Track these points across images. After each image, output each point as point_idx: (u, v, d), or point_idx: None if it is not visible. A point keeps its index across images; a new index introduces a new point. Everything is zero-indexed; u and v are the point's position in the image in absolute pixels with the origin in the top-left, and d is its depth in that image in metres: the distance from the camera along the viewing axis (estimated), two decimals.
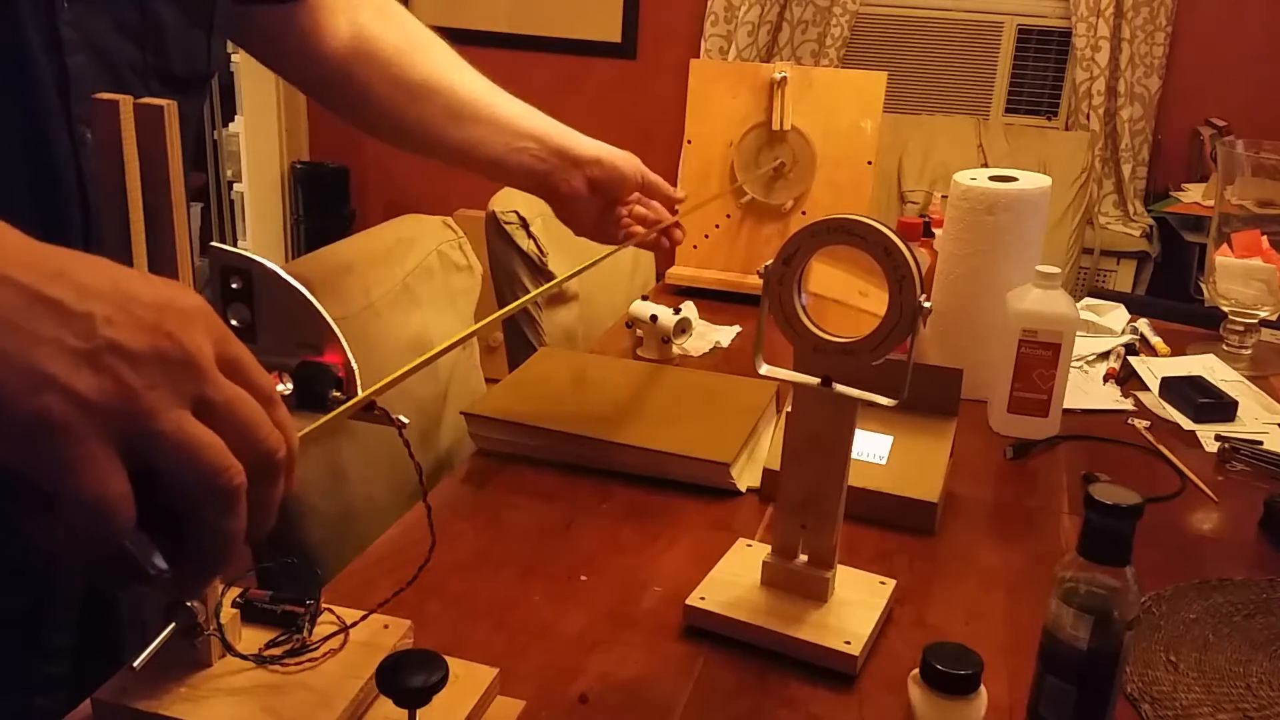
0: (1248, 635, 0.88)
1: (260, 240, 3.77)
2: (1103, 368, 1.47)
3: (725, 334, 1.54)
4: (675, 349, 1.42)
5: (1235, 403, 1.33)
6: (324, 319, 0.62)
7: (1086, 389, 1.41)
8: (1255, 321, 1.53)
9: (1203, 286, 1.62)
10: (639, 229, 1.18)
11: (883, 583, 0.89)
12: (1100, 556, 0.68)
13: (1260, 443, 1.25)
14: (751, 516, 1.05)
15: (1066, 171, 3.23)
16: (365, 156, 4.13)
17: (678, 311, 1.42)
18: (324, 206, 3.99)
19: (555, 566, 0.95)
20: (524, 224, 1.58)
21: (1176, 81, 3.47)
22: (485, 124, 1.14)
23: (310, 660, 0.67)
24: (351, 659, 0.68)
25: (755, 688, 0.80)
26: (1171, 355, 1.52)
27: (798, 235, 0.80)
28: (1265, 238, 1.53)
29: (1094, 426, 1.30)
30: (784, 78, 1.65)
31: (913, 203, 3.33)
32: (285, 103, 3.86)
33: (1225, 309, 1.55)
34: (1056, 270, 1.22)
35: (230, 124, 3.82)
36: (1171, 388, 1.37)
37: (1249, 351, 1.53)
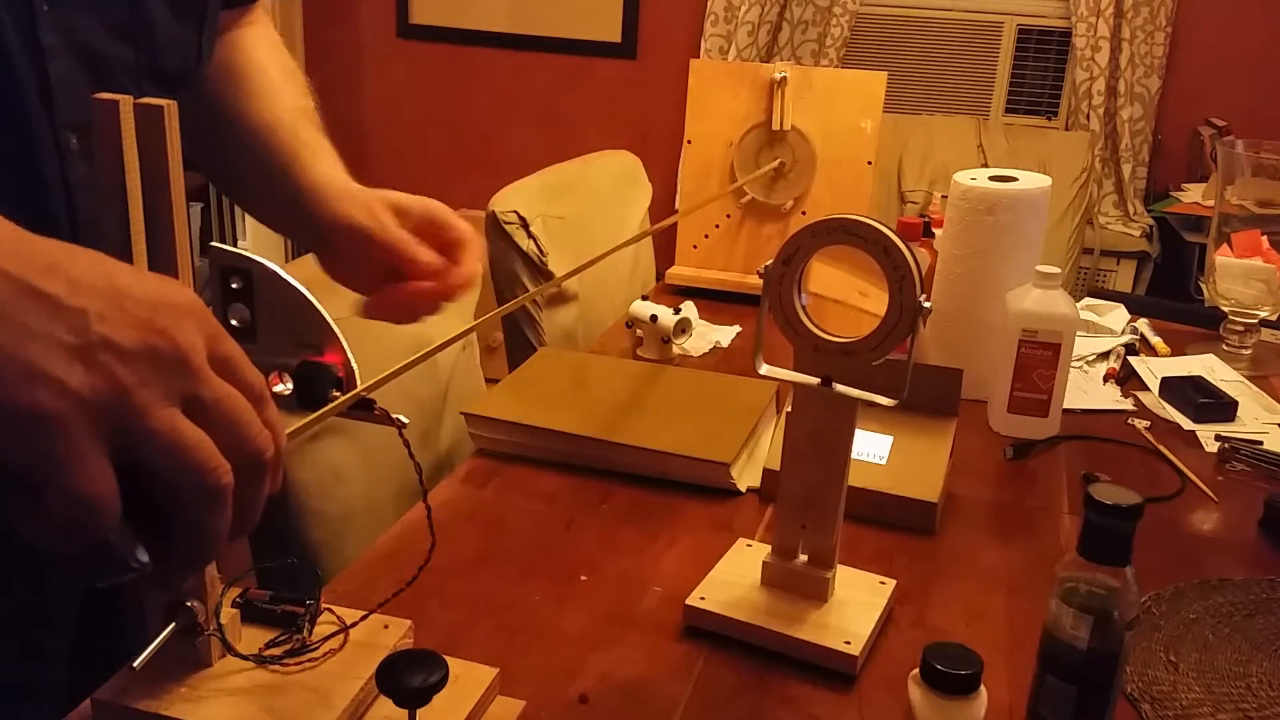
0: (1248, 635, 0.88)
1: (260, 240, 3.76)
2: (1103, 368, 1.47)
3: (725, 334, 1.54)
4: (675, 349, 1.42)
5: (1235, 403, 1.33)
6: (324, 319, 0.62)
7: (1086, 389, 1.41)
8: (1255, 321, 1.53)
9: (1203, 286, 1.62)
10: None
11: (883, 583, 0.89)
12: (1100, 556, 0.68)
13: (1260, 443, 1.25)
14: (751, 516, 1.05)
15: (1066, 171, 3.23)
16: (365, 157, 4.14)
17: (678, 311, 1.42)
18: None
19: (555, 566, 0.95)
20: (524, 224, 1.58)
21: (1176, 81, 3.47)
22: (247, 153, 0.86)
23: (310, 660, 0.67)
24: (351, 659, 0.68)
25: (755, 688, 0.80)
26: (1171, 355, 1.52)
27: (798, 235, 0.80)
28: (1265, 238, 1.53)
29: (1094, 426, 1.30)
30: (784, 78, 1.65)
31: (913, 203, 3.33)
32: None
33: (1225, 309, 1.55)
34: (1056, 270, 1.22)
35: None
36: (1171, 388, 1.37)
37: (1249, 351, 1.53)
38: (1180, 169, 3.51)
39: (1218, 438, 1.26)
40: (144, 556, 0.45)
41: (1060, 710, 0.71)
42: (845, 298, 1.20)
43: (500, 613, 0.87)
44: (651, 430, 1.11)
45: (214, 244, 0.62)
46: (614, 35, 3.85)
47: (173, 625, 0.62)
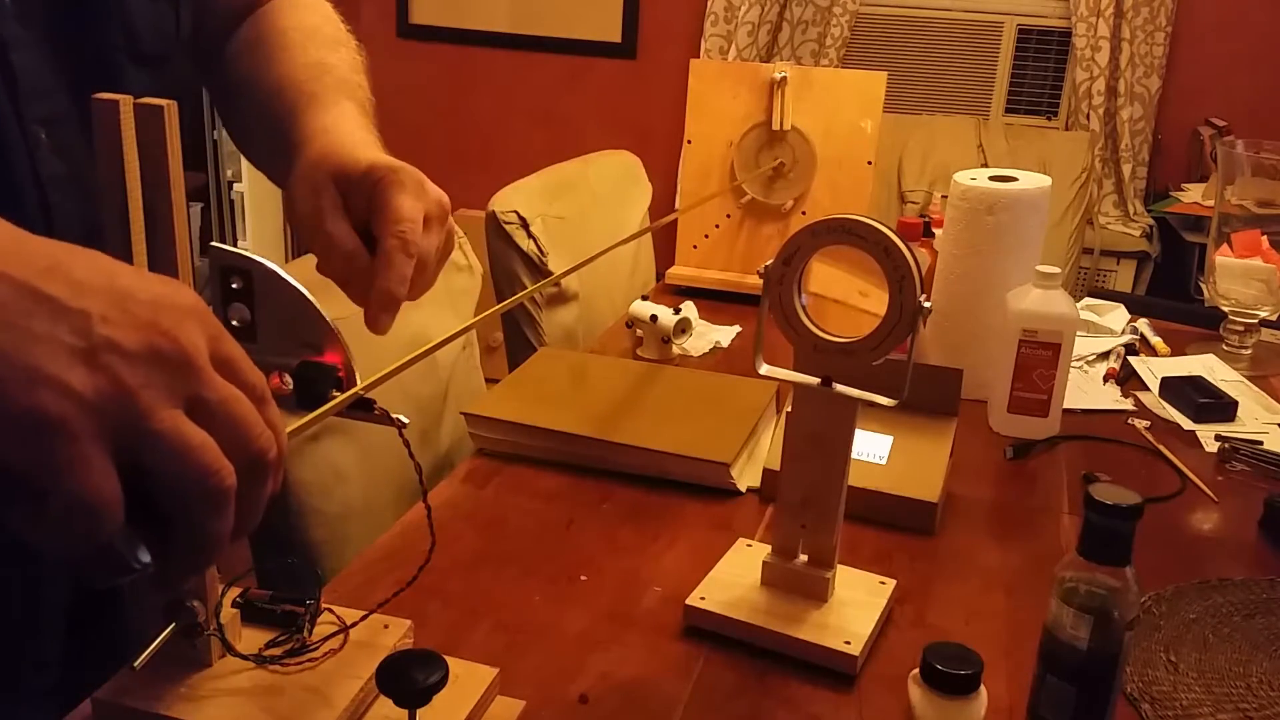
0: (1248, 635, 0.88)
1: (260, 240, 3.76)
2: (1103, 368, 1.47)
3: (725, 334, 1.54)
4: (675, 349, 1.42)
5: (1235, 403, 1.33)
6: (324, 319, 0.62)
7: (1086, 389, 1.41)
8: (1255, 321, 1.53)
9: (1203, 286, 1.62)
10: None
11: (883, 583, 0.89)
12: (1100, 556, 0.68)
13: (1260, 443, 1.25)
14: (751, 516, 1.05)
15: (1066, 171, 3.23)
16: None
17: (678, 311, 1.42)
18: None
19: (555, 566, 0.95)
20: (524, 224, 1.58)
21: (1176, 81, 3.47)
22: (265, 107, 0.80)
23: (310, 660, 0.67)
24: (351, 659, 0.68)
25: (755, 688, 0.80)
26: (1171, 355, 1.52)
27: (798, 235, 0.80)
28: (1265, 238, 1.53)
29: (1094, 426, 1.30)
30: (784, 78, 1.65)
31: (913, 203, 3.33)
32: None
33: (1225, 309, 1.55)
34: (1056, 270, 1.22)
35: None
36: (1171, 388, 1.37)
37: (1249, 351, 1.53)
38: (1180, 169, 3.51)
39: (1218, 438, 1.26)
40: (145, 557, 0.45)
41: (1060, 710, 0.71)
42: (845, 298, 1.20)
43: (500, 613, 0.87)
44: (651, 430, 1.11)
45: (214, 244, 0.62)
46: (614, 35, 3.85)
47: (173, 625, 0.62)
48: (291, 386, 0.63)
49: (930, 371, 1.11)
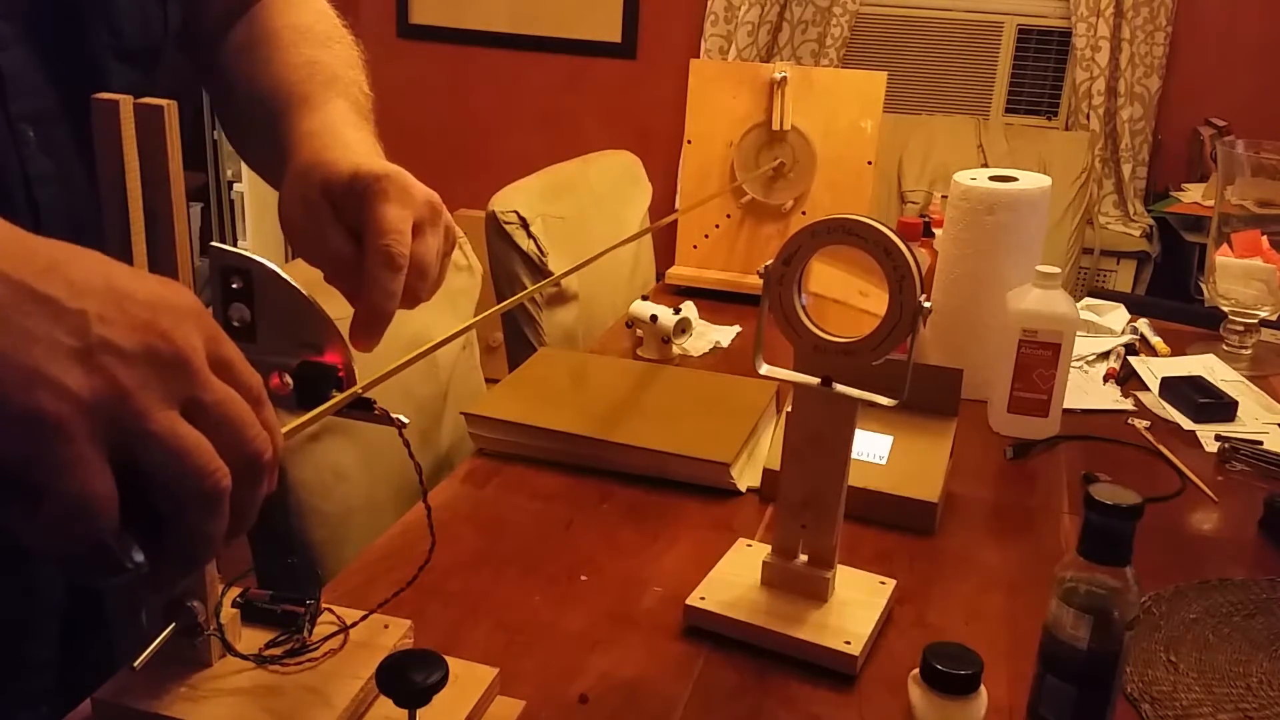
0: (1248, 635, 0.88)
1: (260, 240, 3.76)
2: (1103, 368, 1.47)
3: (725, 334, 1.54)
4: (675, 349, 1.42)
5: (1235, 403, 1.33)
6: (324, 319, 0.62)
7: (1086, 389, 1.41)
8: (1255, 321, 1.53)
9: (1203, 286, 1.62)
10: None
11: (883, 583, 0.89)
12: (1100, 556, 0.68)
13: (1260, 443, 1.25)
14: (751, 516, 1.05)
15: (1066, 171, 3.23)
16: None
17: (678, 311, 1.42)
18: None
19: (555, 566, 0.95)
20: (524, 224, 1.58)
21: (1176, 81, 3.47)
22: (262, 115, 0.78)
23: (310, 660, 0.67)
24: (351, 659, 0.68)
25: (755, 688, 0.80)
26: (1171, 355, 1.52)
27: (798, 235, 0.80)
28: (1265, 238, 1.53)
29: (1094, 426, 1.30)
30: (784, 78, 1.65)
31: (913, 203, 3.33)
32: None
33: (1225, 309, 1.55)
34: (1056, 270, 1.22)
35: None
36: (1171, 388, 1.37)
37: (1249, 351, 1.53)
38: (1180, 169, 3.51)
39: (1218, 438, 1.26)
40: (139, 557, 0.45)
41: (1060, 710, 0.71)
42: (845, 298, 1.20)
43: (500, 613, 0.87)
44: (651, 430, 1.11)
45: (214, 244, 0.62)
46: (614, 35, 3.85)
47: (173, 625, 0.62)
48: (291, 387, 0.63)
49: (930, 371, 1.11)
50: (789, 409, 0.86)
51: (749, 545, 0.94)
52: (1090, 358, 1.50)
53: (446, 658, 0.62)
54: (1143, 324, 1.62)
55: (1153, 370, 1.45)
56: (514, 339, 1.62)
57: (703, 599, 0.86)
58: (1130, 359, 1.49)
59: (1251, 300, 1.52)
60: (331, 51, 0.82)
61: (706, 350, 1.48)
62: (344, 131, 0.73)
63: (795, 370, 0.82)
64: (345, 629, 0.70)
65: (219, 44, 0.86)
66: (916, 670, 0.68)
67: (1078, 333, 1.28)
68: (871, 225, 0.77)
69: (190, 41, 0.83)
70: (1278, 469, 1.19)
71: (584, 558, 0.96)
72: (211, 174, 3.80)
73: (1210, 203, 2.97)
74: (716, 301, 1.67)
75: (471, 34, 3.95)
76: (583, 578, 0.93)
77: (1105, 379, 1.44)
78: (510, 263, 1.59)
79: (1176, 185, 3.45)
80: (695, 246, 1.76)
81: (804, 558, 0.86)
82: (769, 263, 0.81)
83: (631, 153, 2.09)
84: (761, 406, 1.19)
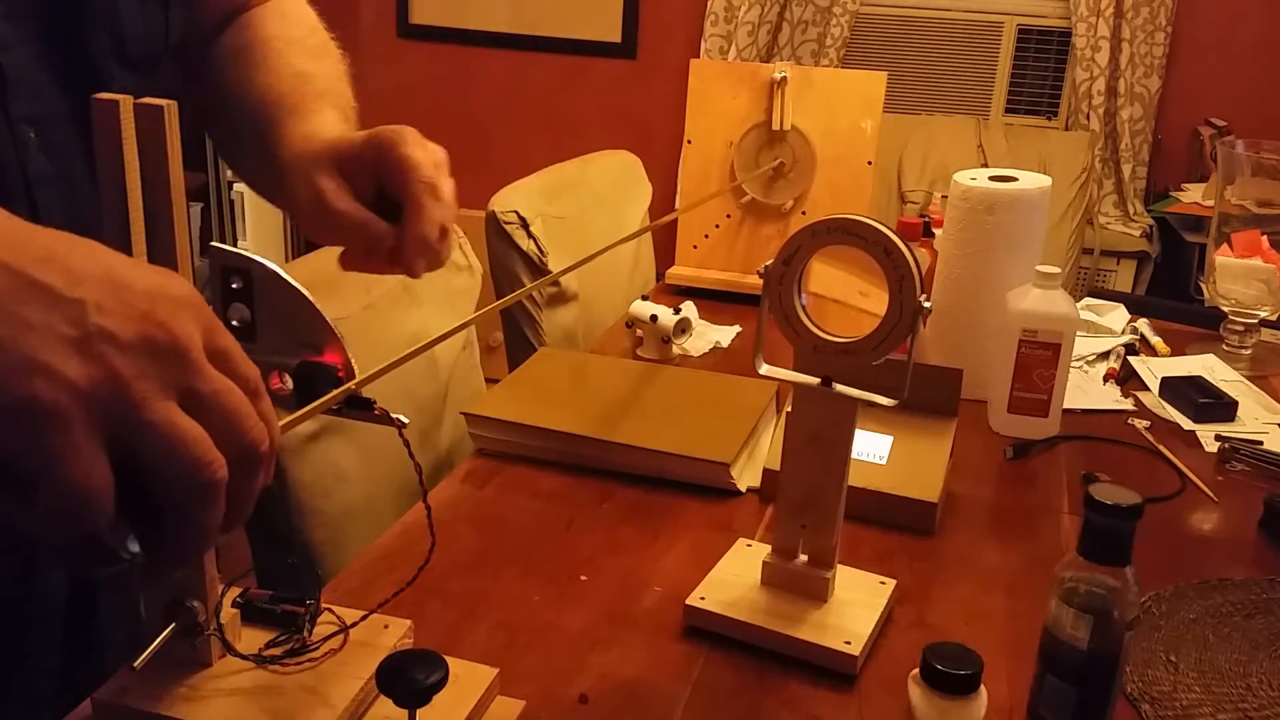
0: (1248, 635, 0.88)
1: (260, 240, 3.76)
2: (1103, 368, 1.47)
3: (725, 334, 1.54)
4: (675, 349, 1.42)
5: (1235, 403, 1.33)
6: (324, 319, 0.62)
7: (1086, 389, 1.41)
8: (1255, 321, 1.53)
9: (1203, 286, 1.62)
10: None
11: (883, 583, 0.89)
12: (1100, 556, 0.68)
13: (1260, 443, 1.25)
14: (751, 516, 1.05)
15: (1066, 171, 3.22)
16: None
17: (678, 311, 1.42)
18: None
19: (555, 566, 0.95)
20: (524, 224, 1.58)
21: (1176, 81, 3.47)
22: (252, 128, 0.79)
23: (310, 660, 0.67)
24: (351, 659, 0.68)
25: (755, 688, 0.80)
26: (1171, 355, 1.52)
27: (798, 235, 0.80)
28: (1265, 238, 1.53)
29: (1094, 426, 1.30)
30: (784, 78, 1.65)
31: (913, 203, 3.33)
32: None
33: (1225, 309, 1.55)
34: (1056, 270, 1.22)
35: None
36: (1171, 388, 1.37)
37: (1249, 351, 1.53)
38: (1180, 169, 3.51)
39: (1218, 438, 1.26)
40: (135, 547, 0.45)
41: (1060, 710, 0.71)
42: (845, 298, 1.20)
43: (500, 613, 0.87)
44: (651, 430, 1.11)
45: (214, 244, 0.62)
46: (614, 35, 3.85)
47: (173, 625, 0.62)
48: (291, 387, 0.63)
49: (930, 371, 1.11)
50: (789, 409, 0.86)
51: (749, 545, 0.94)
52: (1090, 358, 1.50)
53: (446, 658, 0.62)
54: (1143, 324, 1.62)
55: (1153, 370, 1.45)
56: (514, 339, 1.62)
57: (703, 599, 0.86)
58: (1130, 359, 1.49)
59: (1251, 300, 1.52)
60: (322, 65, 0.84)
61: (706, 350, 1.48)
62: (324, 134, 0.74)
63: (795, 370, 0.82)
64: (345, 629, 0.70)
65: (209, 50, 0.86)
66: (916, 670, 0.68)
67: (1078, 333, 1.28)
68: (871, 225, 0.77)
69: (181, 47, 0.83)
70: (1278, 469, 1.19)
71: (584, 558, 0.96)
72: (211, 174, 3.79)
73: (1210, 203, 2.97)
74: (716, 301, 1.67)
75: (471, 34, 3.95)
76: (583, 578, 0.93)
77: (1105, 379, 1.44)
78: (510, 263, 1.59)
79: (1176, 185, 3.45)
80: (695, 246, 1.76)
81: (804, 558, 0.86)
82: (769, 263, 0.81)
83: (631, 153, 2.09)
84: (761, 406, 1.19)
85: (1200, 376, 1.40)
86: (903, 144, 3.39)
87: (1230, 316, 1.54)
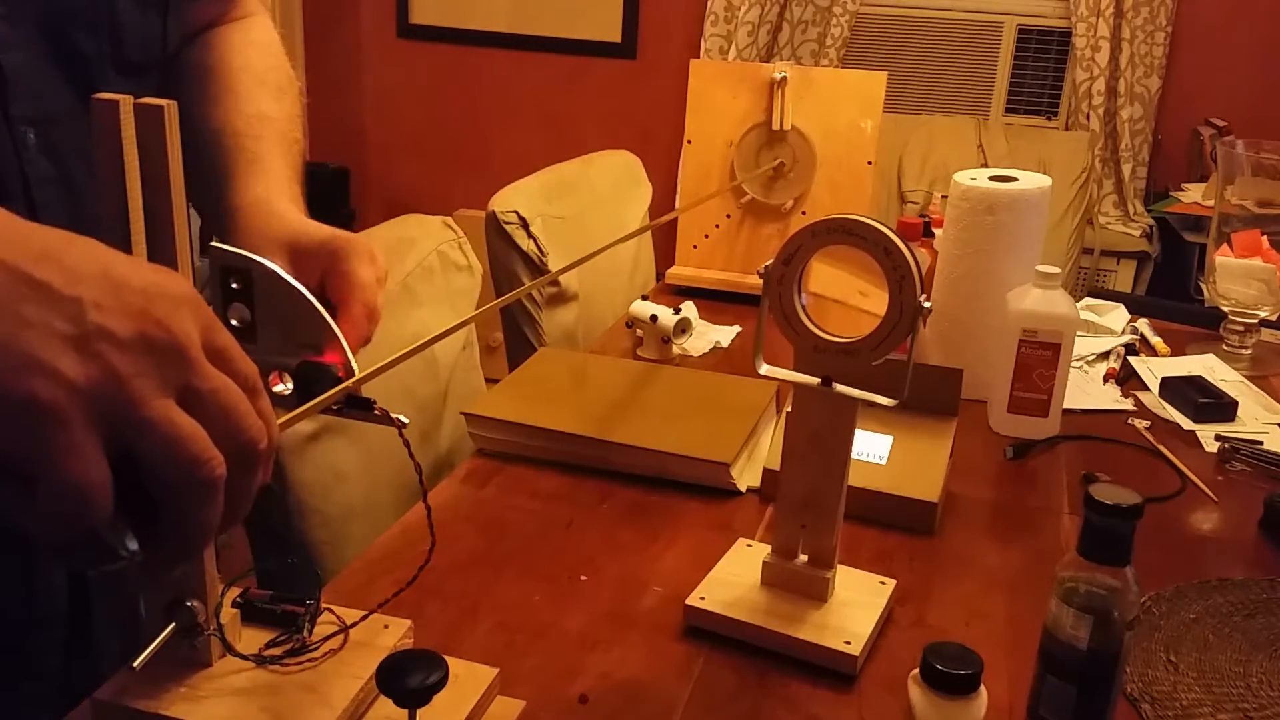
0: (1248, 635, 0.88)
1: None
2: (1103, 368, 1.47)
3: (725, 334, 1.54)
4: (675, 349, 1.42)
5: (1235, 403, 1.33)
6: (324, 319, 0.62)
7: (1086, 389, 1.41)
8: (1255, 321, 1.53)
9: (1203, 286, 1.62)
10: None
11: (883, 583, 0.89)
12: (1100, 556, 0.68)
13: (1260, 443, 1.25)
14: (751, 516, 1.05)
15: (1066, 171, 3.23)
16: (365, 157, 4.14)
17: (678, 311, 1.42)
18: (324, 206, 3.96)
19: (555, 566, 0.95)
20: (524, 224, 1.58)
21: (1176, 81, 3.47)
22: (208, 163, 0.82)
23: (310, 660, 0.67)
24: (351, 659, 0.68)
25: (755, 688, 0.80)
26: (1171, 355, 1.52)
27: (798, 235, 0.80)
28: (1265, 238, 1.53)
29: (1094, 426, 1.30)
30: (784, 78, 1.65)
31: (913, 203, 3.33)
32: None
33: (1225, 309, 1.55)
34: (1056, 270, 1.22)
35: None
36: (1171, 388, 1.37)
37: (1249, 351, 1.53)
38: (1180, 169, 3.51)
39: (1218, 438, 1.26)
40: (133, 545, 0.45)
41: (1060, 710, 0.71)
42: (845, 298, 1.20)
43: (500, 613, 0.87)
44: (651, 430, 1.11)
45: (214, 244, 0.62)
46: (614, 35, 3.85)
47: (173, 625, 0.62)
48: (291, 387, 0.63)
49: (930, 371, 1.11)
50: (789, 409, 0.86)
51: (749, 545, 0.94)
52: (1090, 358, 1.50)
53: (446, 658, 0.62)
54: (1143, 324, 1.62)
55: (1153, 370, 1.45)
56: (514, 339, 1.62)
57: (703, 599, 0.86)
58: (1130, 359, 1.49)
59: (1251, 300, 1.52)
60: (281, 106, 0.86)
61: (706, 350, 1.48)
62: (289, 204, 0.78)
63: (795, 370, 0.82)
64: (345, 629, 0.70)
65: (173, 61, 0.86)
66: (916, 670, 0.68)
67: (1078, 333, 1.28)
68: (871, 225, 0.77)
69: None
70: (1278, 469, 1.19)
71: (584, 558, 0.96)
72: None
73: (1210, 203, 2.97)
74: (716, 301, 1.67)
75: (471, 34, 3.95)
76: (583, 578, 0.93)
77: (1105, 379, 1.44)
78: (510, 263, 1.59)
79: (1176, 185, 3.45)
80: (695, 246, 1.76)
81: (804, 558, 0.86)
82: (769, 263, 0.81)
83: (631, 153, 2.09)
84: (761, 406, 1.19)
85: (1200, 376, 1.40)
86: (903, 144, 3.39)
87: (1230, 316, 1.54)
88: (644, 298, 1.47)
